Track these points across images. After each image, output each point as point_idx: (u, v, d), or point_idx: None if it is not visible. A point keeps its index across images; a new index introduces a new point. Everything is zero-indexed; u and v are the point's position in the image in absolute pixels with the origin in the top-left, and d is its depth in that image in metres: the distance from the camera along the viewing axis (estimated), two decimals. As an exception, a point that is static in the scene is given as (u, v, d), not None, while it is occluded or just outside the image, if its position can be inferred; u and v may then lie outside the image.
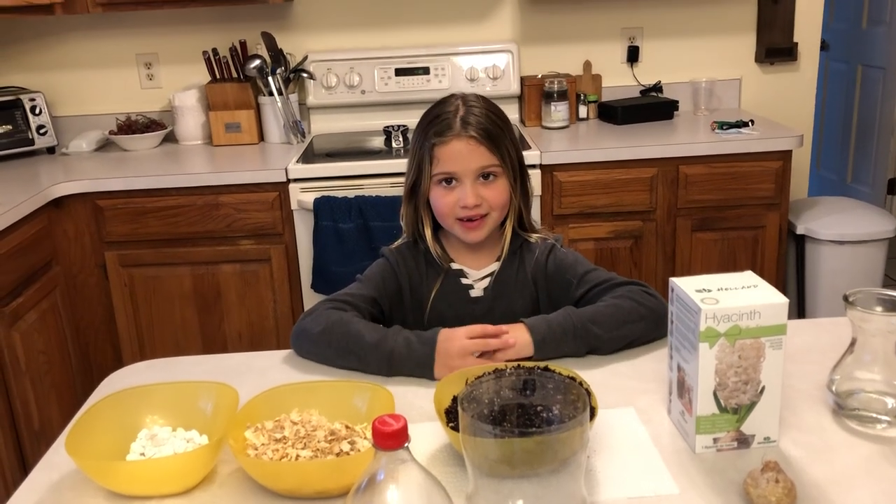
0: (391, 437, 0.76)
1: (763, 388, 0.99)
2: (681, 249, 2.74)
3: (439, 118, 1.44)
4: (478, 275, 1.51)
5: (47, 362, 2.43)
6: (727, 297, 0.98)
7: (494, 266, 1.51)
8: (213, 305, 2.67)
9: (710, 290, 0.99)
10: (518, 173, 1.48)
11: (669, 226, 2.71)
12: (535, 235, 1.53)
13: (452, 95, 1.49)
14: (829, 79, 4.88)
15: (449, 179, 1.43)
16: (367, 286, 1.48)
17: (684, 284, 1.02)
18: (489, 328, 1.26)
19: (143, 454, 1.03)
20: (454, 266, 1.51)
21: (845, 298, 1.04)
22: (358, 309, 1.41)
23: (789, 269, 2.97)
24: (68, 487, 1.01)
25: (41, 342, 2.40)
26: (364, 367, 1.29)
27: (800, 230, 2.91)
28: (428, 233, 1.50)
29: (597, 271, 1.47)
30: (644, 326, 1.33)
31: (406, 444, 0.77)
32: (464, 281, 1.51)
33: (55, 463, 1.06)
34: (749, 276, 1.03)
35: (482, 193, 1.42)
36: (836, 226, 2.90)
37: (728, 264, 2.75)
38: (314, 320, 1.35)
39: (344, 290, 1.47)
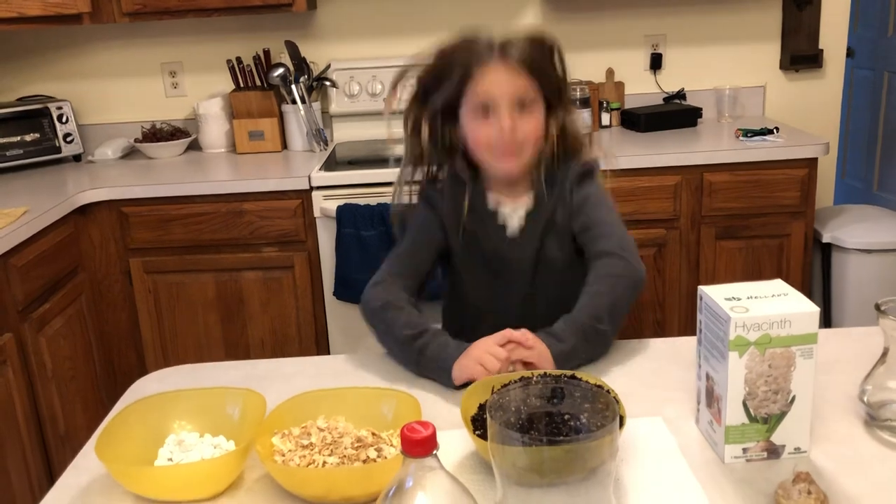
0: (420, 444, 0.76)
1: (793, 398, 0.98)
2: (705, 258, 2.72)
3: (475, 43, 1.40)
4: (512, 213, 1.47)
5: (72, 368, 2.45)
6: (757, 305, 0.97)
7: (527, 203, 1.47)
8: (236, 312, 2.69)
9: (739, 299, 0.98)
10: (557, 97, 1.43)
11: (693, 234, 2.69)
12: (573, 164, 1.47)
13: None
14: (855, 86, 4.83)
15: (485, 109, 1.38)
16: (417, 252, 1.48)
17: (713, 293, 1.01)
18: (515, 335, 1.24)
19: (170, 459, 1.04)
20: (488, 206, 1.47)
21: (877, 307, 1.03)
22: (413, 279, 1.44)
23: (815, 277, 2.94)
24: (97, 492, 1.02)
25: (67, 348, 2.42)
26: (398, 357, 1.32)
27: (826, 238, 2.88)
28: (458, 154, 1.45)
29: (598, 227, 1.44)
30: (628, 300, 1.38)
31: (434, 452, 0.77)
32: (499, 220, 1.47)
33: (84, 467, 1.07)
34: (779, 285, 1.02)
35: (519, 122, 1.38)
36: (863, 234, 2.86)
37: (753, 273, 2.73)
38: (374, 296, 1.39)
39: (397, 260, 1.48)
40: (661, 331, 2.77)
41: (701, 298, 1.03)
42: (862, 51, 4.66)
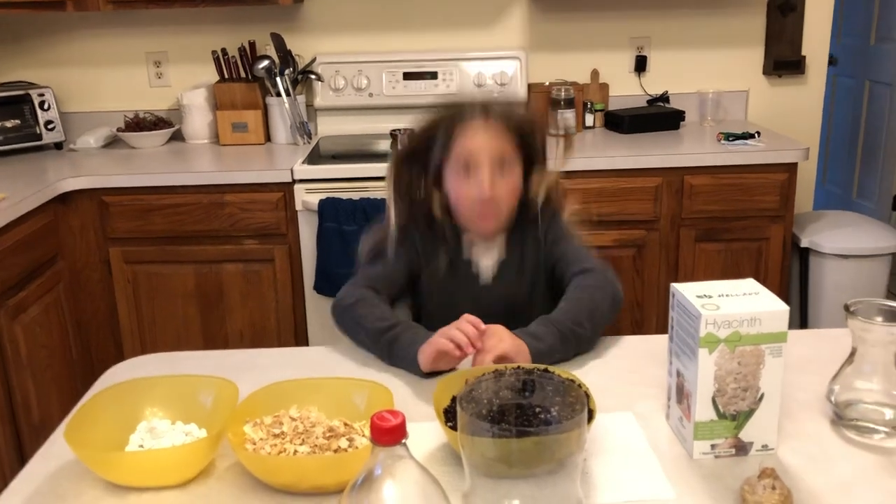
0: (389, 433, 0.76)
1: (762, 396, 0.99)
2: (684, 260, 2.74)
3: (460, 105, 1.47)
4: (486, 262, 1.52)
5: (49, 356, 2.43)
6: (728, 303, 0.98)
7: (500, 254, 1.52)
8: (216, 304, 2.68)
9: (710, 297, 0.99)
10: (537, 157, 1.49)
11: (673, 236, 2.71)
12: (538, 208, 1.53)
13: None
14: (837, 94, 4.88)
15: (466, 165, 1.43)
16: (391, 276, 1.52)
17: (685, 290, 1.02)
18: (478, 324, 1.25)
19: (141, 446, 1.03)
20: (463, 256, 1.52)
21: (846, 308, 1.04)
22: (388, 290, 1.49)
23: (792, 281, 2.97)
24: (66, 477, 1.01)
25: (43, 336, 2.40)
26: (372, 350, 1.35)
27: (804, 243, 2.90)
28: (437, 210, 1.50)
29: (574, 253, 1.52)
30: (609, 310, 1.40)
31: (404, 441, 0.77)
32: (472, 269, 1.52)
33: (53, 453, 1.06)
34: (750, 284, 1.04)
35: (498, 184, 1.43)
36: (841, 240, 2.89)
37: (731, 275, 2.73)
38: (348, 293, 1.43)
39: (372, 272, 1.52)
40: (639, 331, 2.79)
41: (673, 296, 1.04)
42: (845, 59, 4.71)
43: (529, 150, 1.49)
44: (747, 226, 2.72)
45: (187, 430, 1.05)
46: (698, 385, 0.98)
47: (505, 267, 1.53)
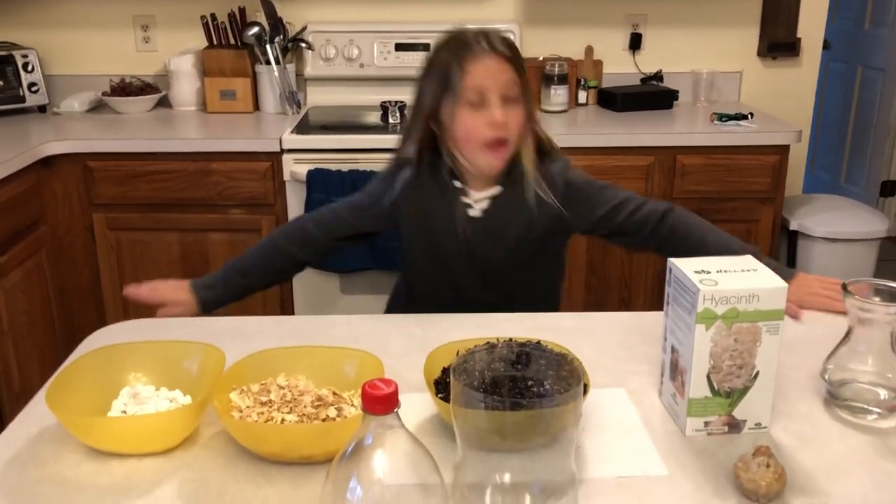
0: (381, 401, 0.74)
1: (757, 374, 0.98)
2: (673, 239, 2.72)
3: (464, 37, 1.43)
4: (479, 195, 1.51)
5: (30, 322, 2.40)
6: (726, 279, 0.96)
7: (495, 189, 1.50)
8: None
9: (709, 272, 0.98)
10: (531, 106, 1.48)
11: (663, 215, 2.69)
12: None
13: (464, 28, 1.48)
14: (829, 78, 4.87)
15: (475, 102, 1.40)
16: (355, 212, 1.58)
17: (683, 265, 1.00)
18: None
19: (124, 412, 1.01)
20: (457, 184, 1.51)
21: (844, 287, 1.03)
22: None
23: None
24: (47, 441, 0.99)
25: (25, 302, 2.37)
26: None
27: (793, 226, 2.90)
28: (445, 149, 1.49)
29: (617, 191, 1.54)
30: None
31: (396, 410, 0.75)
32: (464, 199, 1.51)
33: (34, 417, 1.04)
34: (748, 260, 1.02)
35: (508, 115, 1.41)
36: (829, 223, 2.89)
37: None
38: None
39: (338, 205, 1.60)
40: (627, 310, 2.77)
41: (670, 271, 1.02)
42: (838, 43, 4.70)
43: (528, 90, 1.47)
44: (737, 207, 2.71)
45: (172, 397, 1.03)
46: (693, 361, 0.97)
47: (499, 202, 1.50)
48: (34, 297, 2.43)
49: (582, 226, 1.55)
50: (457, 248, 1.51)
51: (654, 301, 2.78)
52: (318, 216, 1.62)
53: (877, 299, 1.02)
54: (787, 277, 1.24)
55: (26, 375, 2.36)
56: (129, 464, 0.95)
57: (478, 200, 1.51)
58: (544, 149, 1.53)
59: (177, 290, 1.59)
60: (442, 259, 1.53)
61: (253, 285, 1.62)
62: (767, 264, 1.17)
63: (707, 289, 0.94)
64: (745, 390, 0.99)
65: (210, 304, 1.56)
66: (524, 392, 0.91)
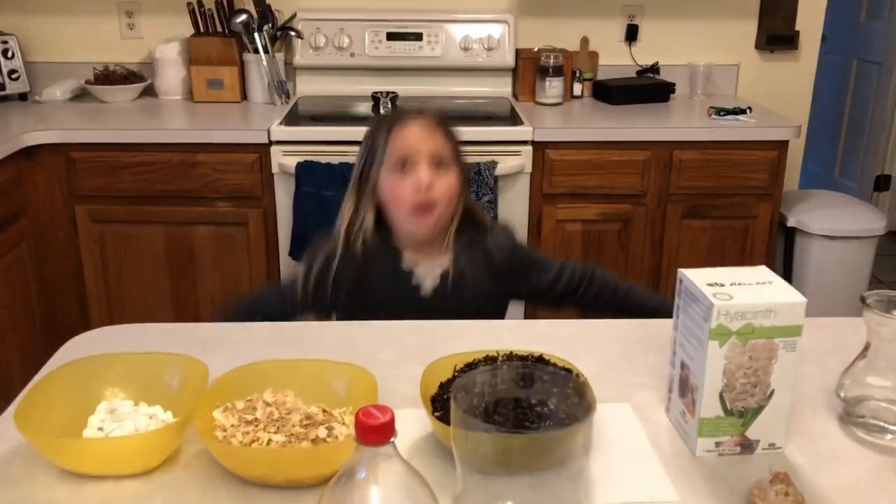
0: (376, 432, 0.68)
1: (772, 392, 0.93)
2: (669, 236, 2.68)
3: (397, 111, 1.50)
4: (427, 274, 1.48)
5: (10, 317, 2.33)
6: (741, 292, 0.91)
7: (445, 264, 1.49)
8: (186, 267, 2.58)
9: (722, 285, 0.92)
10: (465, 176, 1.50)
11: (659, 211, 2.65)
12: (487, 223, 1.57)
13: None
14: (824, 71, 4.82)
15: (403, 164, 1.42)
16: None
17: (694, 277, 0.95)
18: None
19: (101, 429, 0.95)
20: (403, 266, 1.48)
21: (862, 300, 0.98)
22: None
23: (777, 261, 2.93)
24: (19, 461, 0.93)
25: (5, 296, 2.30)
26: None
27: (791, 223, 2.86)
28: (368, 222, 1.47)
29: (552, 260, 1.61)
30: None
31: (392, 440, 0.70)
32: (413, 281, 1.48)
33: (4, 434, 0.97)
34: (763, 272, 0.97)
35: (435, 179, 1.41)
36: (828, 220, 2.85)
37: (716, 254, 2.70)
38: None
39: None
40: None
41: (681, 282, 0.97)
42: (833, 36, 4.65)
43: (460, 158, 1.48)
44: (734, 203, 2.66)
45: (151, 413, 0.97)
46: (706, 379, 0.91)
47: (448, 279, 1.48)
48: (15, 290, 2.36)
49: (521, 292, 1.62)
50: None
51: (649, 299, 2.73)
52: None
53: (896, 313, 0.97)
54: None
55: (5, 370, 2.29)
56: (106, 486, 0.88)
57: (426, 277, 1.49)
58: (476, 219, 1.54)
59: None
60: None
61: None
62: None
63: (722, 303, 0.88)
64: (759, 409, 0.94)
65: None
66: (527, 413, 0.85)
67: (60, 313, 2.61)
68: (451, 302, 1.47)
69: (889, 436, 0.99)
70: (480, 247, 1.51)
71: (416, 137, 1.42)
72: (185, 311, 2.61)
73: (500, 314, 1.60)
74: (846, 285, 2.86)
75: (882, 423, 1.00)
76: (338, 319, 1.50)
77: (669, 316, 1.14)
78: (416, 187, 1.40)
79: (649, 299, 1.62)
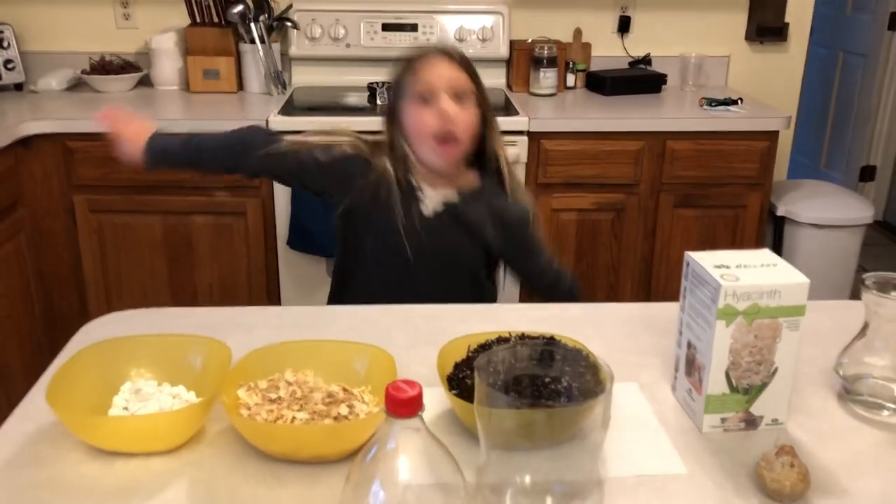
0: (406, 404, 0.72)
1: (776, 370, 0.97)
2: (662, 225, 2.72)
3: (420, 48, 1.53)
4: (433, 195, 1.53)
5: (8, 306, 2.34)
6: (747, 274, 0.94)
7: (451, 195, 1.53)
8: (184, 257, 2.60)
9: (728, 267, 0.96)
10: (488, 115, 1.52)
11: (652, 200, 2.69)
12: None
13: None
14: (810, 63, 4.86)
15: (425, 97, 1.46)
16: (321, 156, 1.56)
17: (702, 259, 0.98)
18: None
19: (126, 409, 0.98)
20: (412, 179, 1.53)
21: (862, 282, 1.02)
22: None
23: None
24: (46, 440, 0.95)
25: (3, 286, 2.31)
26: None
27: (780, 212, 2.91)
28: (395, 149, 1.52)
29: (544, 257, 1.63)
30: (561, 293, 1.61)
31: (420, 413, 0.73)
32: (418, 196, 1.53)
33: (31, 413, 1.00)
34: (767, 255, 1.01)
35: (456, 111, 1.45)
36: (816, 209, 2.90)
37: (707, 242, 2.74)
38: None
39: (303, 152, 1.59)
40: (614, 295, 2.78)
41: (688, 264, 1.00)
42: (820, 28, 4.70)
43: (484, 98, 1.51)
44: (725, 193, 2.71)
45: (174, 393, 0.99)
46: (713, 358, 0.95)
47: (450, 209, 1.53)
48: (13, 281, 2.37)
49: (502, 257, 1.64)
50: (403, 239, 1.51)
51: (641, 287, 2.78)
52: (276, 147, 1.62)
53: (894, 293, 1.01)
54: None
55: (4, 359, 2.30)
56: (134, 464, 0.91)
57: (432, 200, 1.53)
58: (500, 170, 1.57)
59: (136, 134, 1.65)
60: (387, 250, 1.53)
61: (198, 165, 1.75)
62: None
63: (729, 284, 0.92)
64: (763, 387, 0.97)
65: (151, 162, 1.66)
66: (542, 390, 0.88)
67: (58, 303, 2.62)
68: (445, 229, 1.52)
69: (886, 412, 1.03)
70: (492, 201, 1.54)
71: (437, 71, 1.47)
72: (183, 301, 2.63)
73: (487, 268, 1.63)
74: (834, 274, 2.91)
75: (879, 401, 1.04)
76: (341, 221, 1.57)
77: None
78: (437, 117, 1.45)
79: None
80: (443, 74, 1.46)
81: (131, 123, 1.67)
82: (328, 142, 1.59)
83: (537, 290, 1.68)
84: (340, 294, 1.65)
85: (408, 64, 1.50)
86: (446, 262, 1.55)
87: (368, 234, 1.55)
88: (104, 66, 2.86)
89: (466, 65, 1.50)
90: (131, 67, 2.90)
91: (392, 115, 1.53)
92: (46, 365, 1.12)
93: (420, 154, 1.51)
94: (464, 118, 1.47)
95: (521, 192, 1.60)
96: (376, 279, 1.57)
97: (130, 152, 1.64)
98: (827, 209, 2.91)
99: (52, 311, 2.60)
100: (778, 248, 2.97)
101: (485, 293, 1.63)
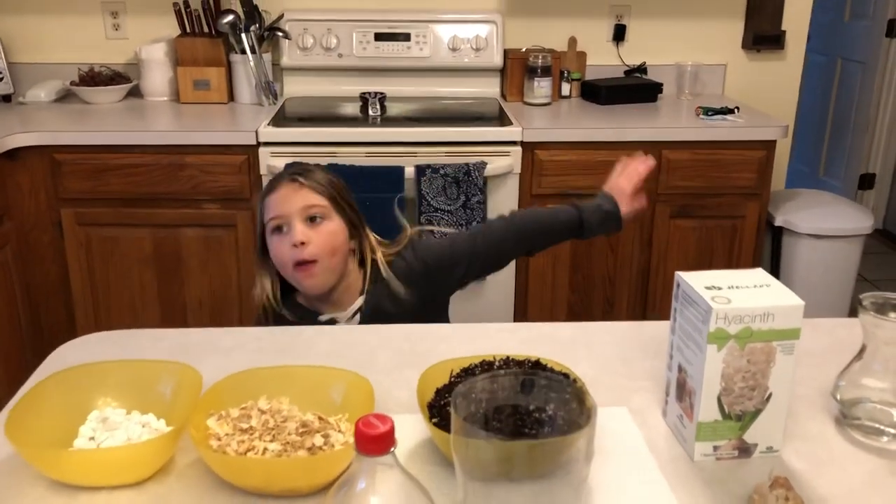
0: (376, 442, 0.68)
1: (770, 395, 0.93)
2: (658, 236, 2.68)
3: (272, 178, 1.52)
4: (347, 315, 1.50)
5: (-6, 322, 2.30)
6: (739, 296, 0.90)
7: (359, 301, 1.51)
8: (174, 270, 2.56)
9: (720, 288, 0.92)
10: (354, 220, 1.51)
11: (648, 211, 2.64)
12: (391, 250, 1.56)
13: None
14: (808, 70, 4.83)
15: (280, 227, 1.45)
16: None
17: (692, 280, 0.94)
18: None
19: (93, 438, 0.93)
20: (323, 318, 1.49)
21: (859, 302, 0.98)
22: None
23: (764, 260, 2.94)
24: (7, 473, 0.91)
25: (-12, 301, 2.27)
26: None
27: (778, 222, 2.87)
28: (270, 287, 1.51)
29: (461, 238, 1.61)
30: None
31: (392, 450, 0.69)
32: (324, 320, 1.50)
33: (-7, 444, 0.96)
34: (760, 275, 0.97)
35: (310, 234, 1.43)
36: (815, 219, 2.86)
37: (705, 253, 2.71)
38: None
39: None
40: (610, 307, 2.74)
41: (678, 285, 0.96)
42: (817, 35, 4.68)
43: (345, 207, 1.50)
44: (723, 203, 2.67)
45: (144, 421, 0.95)
46: (704, 383, 0.91)
47: (367, 310, 1.51)
48: (-1, 295, 2.34)
49: (454, 287, 1.61)
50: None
51: (637, 300, 2.74)
52: None
53: (892, 315, 0.97)
54: (605, 202, 1.61)
55: (-9, 377, 2.27)
56: (100, 499, 0.87)
57: (348, 320, 1.50)
58: (383, 252, 1.55)
59: None
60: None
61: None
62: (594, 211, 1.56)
63: (720, 307, 0.88)
64: (756, 413, 0.93)
65: None
66: (525, 419, 0.84)
67: (46, 317, 2.58)
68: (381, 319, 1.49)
69: (885, 438, 0.99)
70: (389, 272, 1.52)
71: (283, 199, 1.45)
72: (173, 314, 2.59)
73: (442, 316, 1.62)
74: (833, 284, 2.87)
75: (878, 426, 0.99)
76: None
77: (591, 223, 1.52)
78: (291, 246, 1.43)
79: (558, 212, 1.62)
80: (288, 203, 1.44)
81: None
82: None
83: (520, 245, 1.65)
84: None
85: (261, 199, 1.49)
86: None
87: None
88: (93, 77, 2.83)
89: (315, 183, 1.47)
90: (121, 78, 2.87)
91: (263, 254, 1.51)
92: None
93: (292, 283, 1.49)
94: (320, 239, 1.44)
95: (409, 244, 1.57)
96: None
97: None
98: (826, 219, 2.87)
99: (38, 326, 2.56)
100: (776, 259, 2.93)
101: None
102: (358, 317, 1.50)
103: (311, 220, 1.45)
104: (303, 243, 1.42)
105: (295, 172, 1.49)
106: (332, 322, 1.49)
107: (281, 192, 1.46)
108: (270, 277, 1.50)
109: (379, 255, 1.52)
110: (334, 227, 1.47)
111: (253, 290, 1.53)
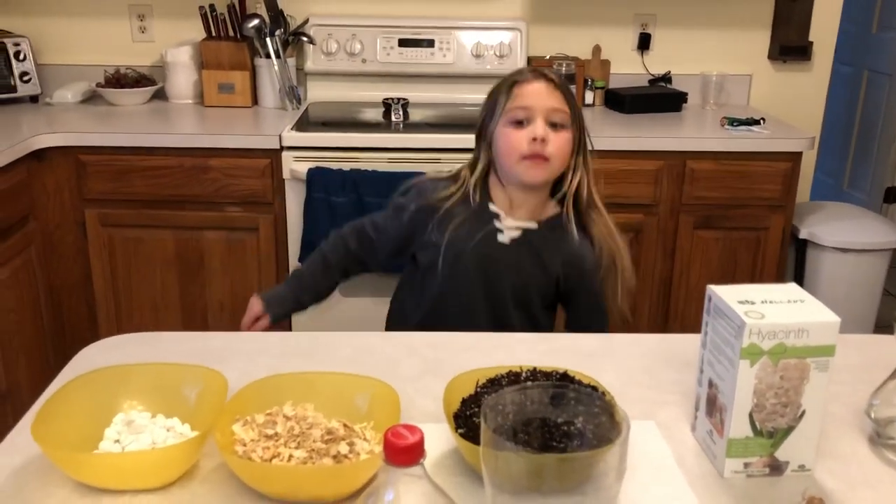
0: (406, 452, 0.67)
1: (803, 413, 0.91)
2: (681, 247, 2.66)
3: (519, 69, 1.55)
4: (512, 223, 1.52)
5: (17, 321, 2.31)
6: (773, 311, 0.89)
7: (531, 224, 1.52)
8: (196, 272, 2.57)
9: (753, 303, 0.90)
10: (581, 144, 1.52)
11: (672, 222, 2.63)
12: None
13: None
14: (834, 82, 4.79)
15: (520, 121, 1.47)
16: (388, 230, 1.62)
17: (725, 294, 0.93)
18: None
19: (118, 441, 0.93)
20: (491, 207, 1.53)
21: (894, 319, 0.96)
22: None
23: (788, 273, 2.91)
24: (32, 474, 0.91)
25: (12, 300, 2.28)
26: None
27: (803, 234, 2.84)
28: (478, 169, 1.54)
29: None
30: None
31: (421, 461, 0.68)
32: (496, 223, 1.52)
33: (19, 445, 0.96)
34: (794, 290, 0.95)
35: (550, 136, 1.45)
36: (840, 233, 2.83)
37: (728, 265, 2.68)
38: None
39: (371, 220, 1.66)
40: (632, 318, 2.71)
41: (710, 299, 0.95)
42: (844, 46, 4.62)
43: (579, 123, 1.51)
44: (747, 215, 2.64)
45: (169, 425, 0.95)
46: (736, 399, 0.89)
47: (528, 238, 1.52)
48: (23, 294, 2.35)
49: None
50: (476, 265, 1.52)
51: (659, 311, 2.72)
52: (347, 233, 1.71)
53: (929, 333, 0.95)
54: None
55: (13, 375, 2.27)
56: (124, 500, 0.87)
57: (510, 228, 1.52)
58: (587, 204, 1.56)
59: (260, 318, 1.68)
60: (457, 276, 1.52)
61: (319, 297, 1.76)
62: None
63: (754, 322, 0.87)
64: (789, 430, 0.92)
65: (279, 318, 1.71)
66: (553, 432, 0.83)
67: (68, 317, 2.59)
68: (520, 258, 1.53)
69: (920, 458, 0.97)
70: (566, 241, 1.53)
71: (534, 94, 1.47)
72: (194, 316, 2.60)
73: (551, 300, 1.62)
74: (858, 299, 2.84)
75: (913, 445, 0.98)
76: (417, 256, 1.59)
77: None
78: (531, 139, 1.45)
79: None
80: (540, 99, 1.46)
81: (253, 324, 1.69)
82: (396, 204, 1.62)
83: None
84: (401, 316, 1.68)
85: (506, 86, 1.50)
86: (515, 291, 1.54)
87: (437, 259, 1.54)
88: (119, 80, 2.84)
89: (564, 89, 1.49)
90: (146, 80, 2.89)
91: (483, 136, 1.54)
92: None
93: (509, 173, 1.50)
94: (557, 142, 1.46)
95: (603, 237, 1.57)
96: (442, 304, 1.57)
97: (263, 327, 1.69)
98: (851, 232, 2.83)
99: (61, 326, 2.57)
100: (800, 272, 2.90)
101: (539, 325, 1.61)
102: (519, 235, 1.52)
103: (552, 125, 1.46)
104: (543, 140, 1.44)
105: (548, 73, 1.50)
106: (494, 215, 1.52)
107: (535, 85, 1.47)
108: (482, 162, 1.54)
109: (586, 188, 1.54)
110: (569, 138, 1.49)
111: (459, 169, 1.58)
